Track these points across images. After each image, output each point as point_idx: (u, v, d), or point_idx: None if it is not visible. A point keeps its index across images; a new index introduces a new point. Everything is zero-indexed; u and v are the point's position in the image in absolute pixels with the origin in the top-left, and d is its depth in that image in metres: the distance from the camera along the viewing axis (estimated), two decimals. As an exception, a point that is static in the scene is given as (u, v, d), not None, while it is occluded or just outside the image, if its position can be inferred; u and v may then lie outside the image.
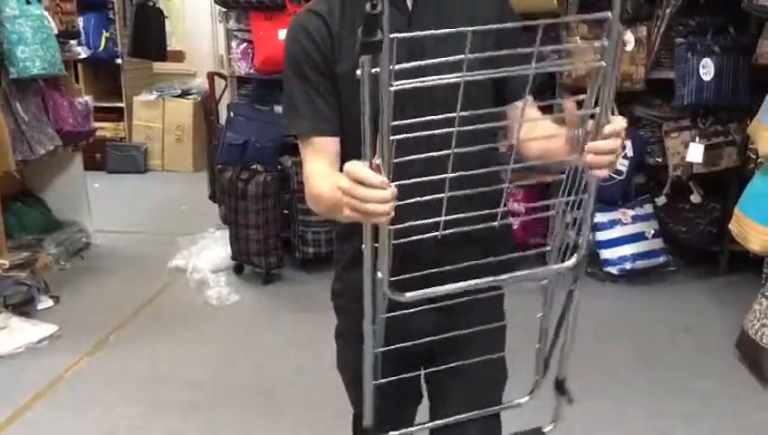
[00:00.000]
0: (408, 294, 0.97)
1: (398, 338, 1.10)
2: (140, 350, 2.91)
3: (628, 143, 3.52)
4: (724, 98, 3.28)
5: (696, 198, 3.57)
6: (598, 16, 0.87)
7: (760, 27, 3.21)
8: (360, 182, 0.89)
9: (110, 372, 2.75)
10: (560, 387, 1.16)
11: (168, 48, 5.39)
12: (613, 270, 3.49)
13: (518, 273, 1.02)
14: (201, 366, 2.79)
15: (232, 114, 3.63)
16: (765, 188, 2.54)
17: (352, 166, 0.90)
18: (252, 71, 3.67)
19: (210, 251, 3.73)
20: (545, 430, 1.18)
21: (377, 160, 0.88)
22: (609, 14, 0.84)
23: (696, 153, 3.35)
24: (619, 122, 0.98)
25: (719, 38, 3.31)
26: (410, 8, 1.19)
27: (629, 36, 3.44)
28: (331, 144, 1.21)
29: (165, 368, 2.78)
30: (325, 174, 1.17)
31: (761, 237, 2.54)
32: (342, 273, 1.33)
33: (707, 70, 3.27)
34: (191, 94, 5.91)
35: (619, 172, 3.58)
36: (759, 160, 2.87)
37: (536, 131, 1.21)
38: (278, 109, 3.60)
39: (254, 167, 3.51)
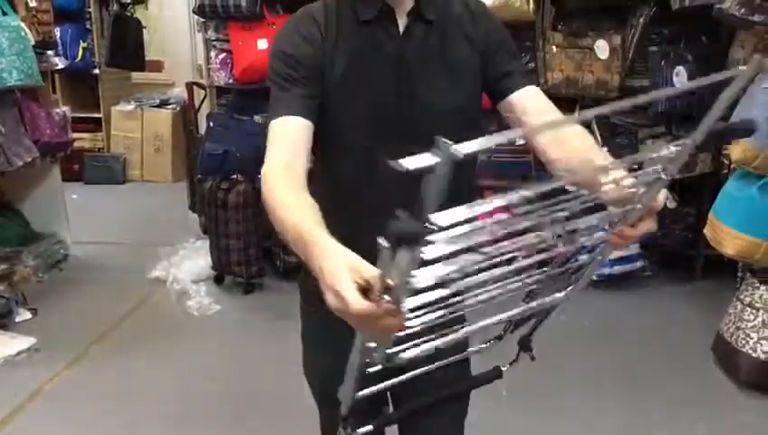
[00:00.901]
0: (407, 355, 0.88)
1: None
2: (120, 362, 2.89)
3: (605, 150, 3.57)
4: (698, 105, 3.34)
5: (671, 203, 3.62)
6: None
7: (730, 36, 3.28)
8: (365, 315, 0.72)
9: (90, 384, 2.72)
10: (524, 343, 1.16)
11: (146, 58, 5.38)
12: (592, 276, 3.52)
13: (522, 308, 0.98)
14: (183, 377, 2.78)
15: (211, 124, 3.63)
16: (739, 193, 2.59)
17: (352, 300, 0.71)
18: (231, 81, 3.67)
19: (190, 261, 3.72)
20: (503, 368, 1.17)
21: (390, 281, 0.67)
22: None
23: (670, 159, 3.40)
24: (660, 201, 0.88)
25: (692, 46, 3.37)
26: (401, 32, 1.20)
27: (604, 44, 3.49)
28: (300, 128, 1.15)
29: (146, 380, 2.76)
30: (294, 189, 1.06)
31: (735, 242, 2.59)
32: (306, 277, 1.27)
33: (681, 77, 3.33)
34: (170, 104, 5.90)
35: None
36: (732, 166, 2.92)
37: (569, 144, 1.13)
38: (258, 119, 3.61)
39: (234, 177, 3.51)
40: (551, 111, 1.20)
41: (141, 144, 5.90)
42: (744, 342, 2.60)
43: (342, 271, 0.75)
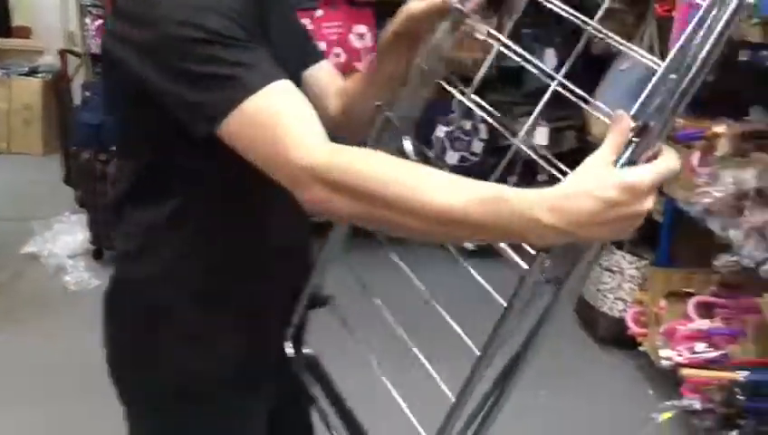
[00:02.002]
0: None
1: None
2: (-7, 339, 2.78)
3: (483, 127, 3.76)
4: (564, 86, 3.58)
5: (542, 177, 3.87)
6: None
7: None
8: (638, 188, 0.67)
9: (-41, 363, 2.61)
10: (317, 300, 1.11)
11: (12, 24, 5.07)
12: (469, 245, 3.71)
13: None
14: (58, 353, 2.70)
15: (87, 94, 3.51)
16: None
17: (630, 173, 0.68)
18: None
19: (67, 236, 3.59)
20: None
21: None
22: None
23: (541, 136, 3.63)
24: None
25: (559, 30, 3.60)
26: None
27: (483, 27, 3.66)
28: (302, 95, 0.87)
29: (19, 356, 2.67)
30: (387, 164, 0.79)
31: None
32: (209, 351, 1.01)
33: (550, 59, 3.56)
34: (40, 73, 5.58)
35: (474, 154, 3.82)
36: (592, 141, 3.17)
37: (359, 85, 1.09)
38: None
39: (113, 148, 3.41)
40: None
41: (8, 115, 5.56)
42: (602, 302, 2.86)
43: (600, 172, 0.69)
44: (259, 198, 0.94)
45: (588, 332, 2.95)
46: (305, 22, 3.53)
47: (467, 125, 3.74)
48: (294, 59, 1.04)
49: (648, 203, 0.69)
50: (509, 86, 3.85)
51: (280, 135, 0.80)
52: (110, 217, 1.05)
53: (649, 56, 0.77)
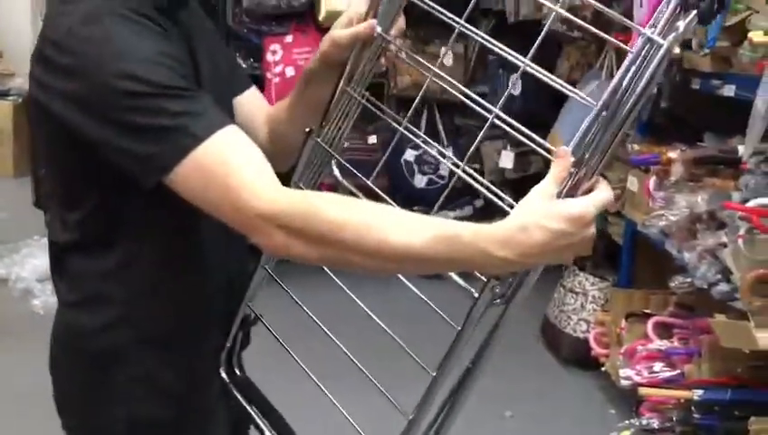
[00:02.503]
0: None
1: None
2: (-43, 364, 2.75)
3: (450, 151, 3.83)
4: (530, 111, 3.65)
5: (507, 200, 3.94)
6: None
7: (559, 47, 3.62)
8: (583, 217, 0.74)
9: None
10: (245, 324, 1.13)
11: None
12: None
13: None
14: (26, 377, 2.68)
15: (58, 117, 3.51)
16: (561, 190, 2.89)
17: (579, 204, 0.74)
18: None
19: (35, 259, 3.56)
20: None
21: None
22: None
23: (507, 160, 3.71)
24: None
25: (525, 56, 3.68)
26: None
27: (449, 53, 3.74)
28: (249, 140, 0.87)
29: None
30: (341, 201, 0.82)
31: (558, 234, 2.89)
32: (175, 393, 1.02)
33: (516, 85, 3.64)
34: (11, 96, 5.56)
35: (442, 177, 3.88)
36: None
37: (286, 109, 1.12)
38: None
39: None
40: None
41: (-22, 137, 5.52)
42: (566, 323, 2.91)
43: (546, 205, 0.75)
44: (204, 237, 0.95)
45: (552, 352, 3.00)
46: (276, 47, 3.59)
47: (434, 149, 3.80)
48: (225, 88, 1.06)
49: (591, 230, 0.76)
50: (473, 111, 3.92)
51: (232, 184, 0.80)
52: (51, 264, 1.03)
53: (582, 95, 0.82)
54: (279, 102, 1.16)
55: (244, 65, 3.79)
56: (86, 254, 0.97)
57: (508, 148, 3.72)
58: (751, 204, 1.70)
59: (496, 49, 0.94)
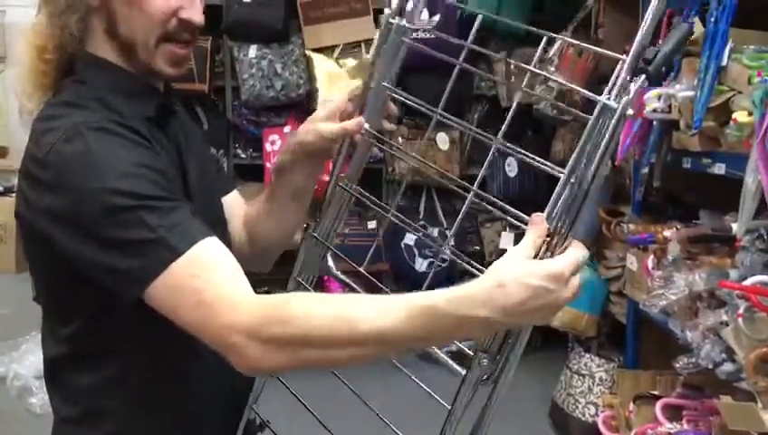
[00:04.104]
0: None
1: None
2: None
3: (449, 232, 3.84)
4: (528, 191, 3.70)
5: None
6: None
7: (554, 129, 3.69)
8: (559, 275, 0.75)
9: None
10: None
11: (-10, 144, 5.17)
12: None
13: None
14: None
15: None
16: (561, 270, 2.88)
17: (542, 265, 0.75)
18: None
19: (33, 356, 3.52)
20: None
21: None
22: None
23: (507, 241, 3.72)
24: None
25: (520, 139, 3.75)
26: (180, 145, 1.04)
27: (444, 137, 3.81)
28: (228, 253, 0.87)
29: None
30: (318, 298, 0.82)
31: (561, 314, 2.86)
32: None
33: (512, 167, 3.69)
34: (14, 192, 5.65)
35: (443, 260, 3.88)
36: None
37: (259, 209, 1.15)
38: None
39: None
40: None
41: (-18, 233, 5.58)
42: (573, 407, 2.84)
43: (523, 264, 0.75)
44: (199, 347, 0.91)
45: (562, 438, 2.92)
46: (274, 138, 3.66)
47: (435, 232, 3.82)
48: (213, 191, 1.10)
49: (570, 290, 0.76)
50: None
51: (208, 299, 0.80)
52: (45, 377, 1.02)
53: (551, 165, 0.87)
54: (254, 201, 1.18)
55: (243, 156, 3.86)
56: (78, 368, 0.97)
57: (508, 229, 3.74)
58: (748, 282, 1.68)
59: (466, 130, 0.96)
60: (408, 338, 0.77)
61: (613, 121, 0.77)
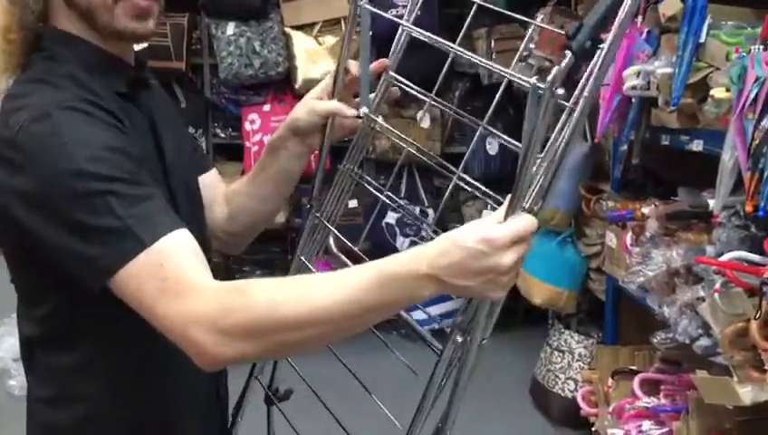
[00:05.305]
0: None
1: None
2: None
3: (431, 211, 3.84)
4: (508, 169, 3.70)
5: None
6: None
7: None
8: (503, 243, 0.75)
9: None
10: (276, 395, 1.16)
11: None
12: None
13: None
14: (1, 462, 2.61)
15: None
16: (541, 248, 2.90)
17: (489, 230, 0.75)
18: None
19: (11, 338, 3.50)
20: None
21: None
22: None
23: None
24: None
25: (500, 117, 3.74)
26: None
27: (426, 115, 3.80)
28: (197, 247, 0.85)
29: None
30: (273, 287, 0.81)
31: (541, 291, 2.88)
32: None
33: (492, 145, 3.69)
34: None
35: (424, 238, 3.88)
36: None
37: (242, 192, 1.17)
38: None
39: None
40: None
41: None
42: (553, 383, 2.87)
43: (464, 227, 0.76)
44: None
45: (542, 412, 2.95)
46: (254, 117, 3.62)
47: (416, 210, 3.82)
48: (190, 169, 1.09)
49: (507, 257, 0.75)
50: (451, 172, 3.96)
51: (168, 292, 0.79)
52: (22, 357, 1.02)
53: (512, 141, 0.92)
54: (239, 179, 1.18)
55: (222, 135, 3.82)
56: (53, 348, 0.96)
57: (489, 208, 3.74)
58: (724, 258, 1.69)
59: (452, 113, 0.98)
60: (370, 307, 0.77)
61: (544, 102, 0.75)
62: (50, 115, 0.84)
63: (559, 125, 0.81)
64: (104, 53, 0.96)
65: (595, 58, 0.79)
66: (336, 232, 1.11)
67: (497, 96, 0.99)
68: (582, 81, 0.80)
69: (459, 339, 0.87)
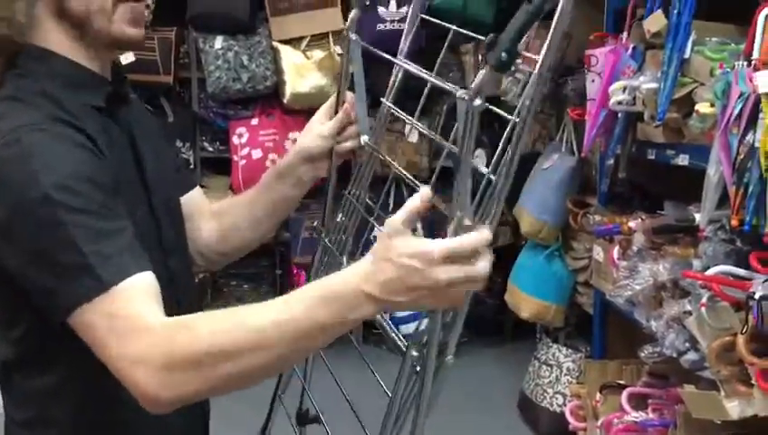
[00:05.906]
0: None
1: None
2: None
3: (419, 226, 3.84)
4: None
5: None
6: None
7: (521, 122, 3.70)
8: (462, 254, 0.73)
9: None
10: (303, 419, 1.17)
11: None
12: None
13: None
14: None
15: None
16: (529, 262, 2.90)
17: (436, 243, 0.73)
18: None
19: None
20: None
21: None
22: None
23: (476, 233, 3.73)
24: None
25: (487, 131, 3.76)
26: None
27: (414, 131, 3.81)
28: (157, 290, 0.84)
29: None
30: (216, 318, 0.80)
31: (528, 305, 2.88)
32: None
33: (481, 159, 3.70)
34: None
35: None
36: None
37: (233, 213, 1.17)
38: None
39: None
40: None
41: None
42: (542, 397, 2.86)
43: (393, 240, 0.74)
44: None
45: (530, 427, 2.95)
46: (241, 130, 3.62)
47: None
48: (171, 187, 1.09)
49: (443, 273, 0.73)
50: (449, 187, 3.97)
51: (117, 332, 0.78)
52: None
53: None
54: (228, 199, 1.19)
55: (210, 149, 3.82)
56: (27, 371, 0.95)
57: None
58: (710, 272, 1.70)
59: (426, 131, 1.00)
60: (315, 328, 0.76)
61: (472, 111, 0.76)
62: (19, 141, 0.83)
63: (504, 138, 0.82)
64: (81, 68, 0.95)
65: (532, 77, 0.79)
66: (344, 263, 1.10)
67: (422, 99, 1.06)
68: (522, 99, 0.81)
69: (415, 353, 0.85)
